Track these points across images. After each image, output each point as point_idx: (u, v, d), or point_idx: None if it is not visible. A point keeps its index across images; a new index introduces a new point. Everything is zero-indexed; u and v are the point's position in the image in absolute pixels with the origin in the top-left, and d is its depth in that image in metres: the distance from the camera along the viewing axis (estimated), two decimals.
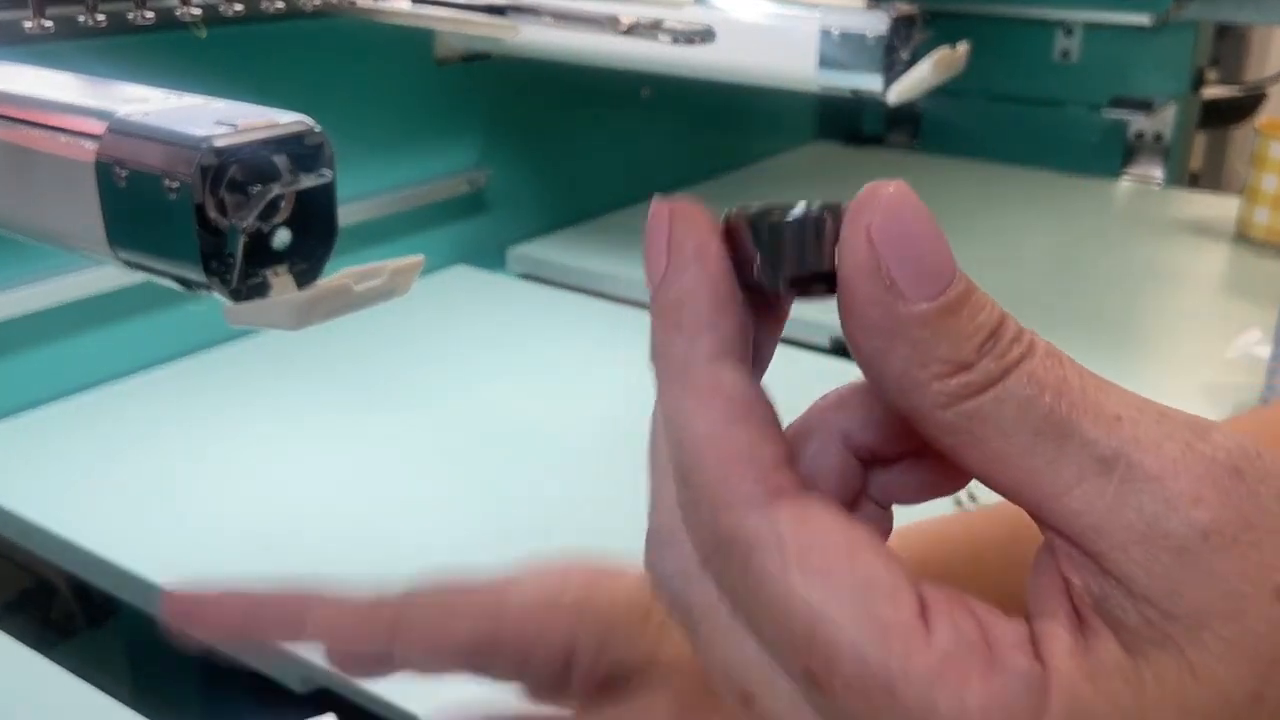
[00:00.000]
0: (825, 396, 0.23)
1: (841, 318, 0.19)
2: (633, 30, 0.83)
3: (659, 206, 0.21)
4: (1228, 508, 0.17)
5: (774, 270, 0.19)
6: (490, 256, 1.17)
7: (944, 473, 0.22)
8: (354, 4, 0.83)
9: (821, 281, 0.19)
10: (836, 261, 0.19)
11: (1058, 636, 0.18)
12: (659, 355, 0.21)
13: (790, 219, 0.19)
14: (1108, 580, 0.18)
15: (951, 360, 0.18)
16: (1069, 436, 0.18)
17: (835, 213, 0.19)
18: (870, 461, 0.22)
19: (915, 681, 0.17)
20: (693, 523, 0.20)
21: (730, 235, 0.20)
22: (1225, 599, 0.17)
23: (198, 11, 0.74)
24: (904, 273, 0.18)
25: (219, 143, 0.42)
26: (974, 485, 0.20)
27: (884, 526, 0.23)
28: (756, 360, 0.21)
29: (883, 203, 0.18)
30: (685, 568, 0.20)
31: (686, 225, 0.20)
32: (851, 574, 0.18)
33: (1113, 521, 0.18)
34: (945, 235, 0.19)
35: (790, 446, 0.20)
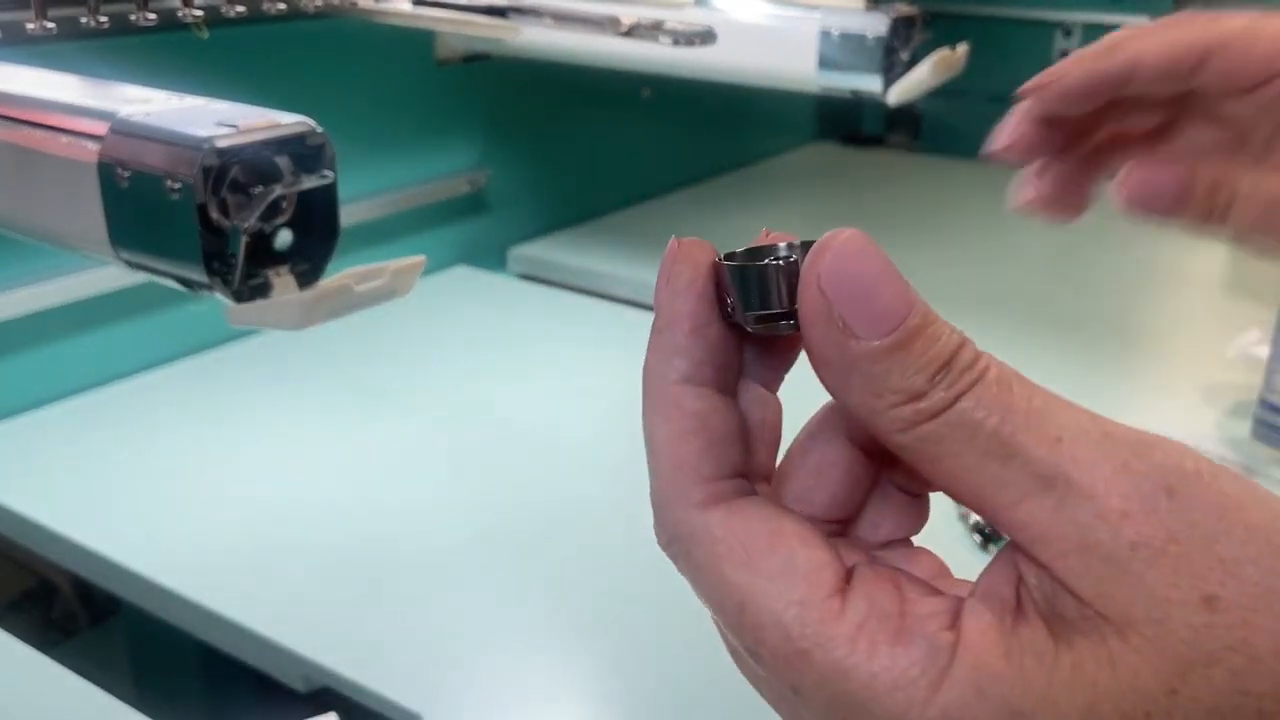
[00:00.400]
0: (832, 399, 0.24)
1: (806, 353, 0.22)
2: (633, 31, 0.83)
3: (672, 242, 0.23)
4: (1153, 523, 0.19)
5: (742, 307, 0.22)
6: (491, 257, 1.18)
7: None
8: (355, 5, 0.83)
9: (787, 319, 0.22)
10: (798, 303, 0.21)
11: (980, 615, 0.21)
12: (643, 371, 0.24)
13: (758, 264, 0.22)
14: (1053, 583, 0.20)
15: (903, 390, 0.20)
16: (1013, 457, 0.20)
17: (804, 257, 0.21)
18: (877, 455, 0.25)
19: (830, 649, 0.20)
20: (655, 510, 0.24)
21: (718, 273, 0.22)
22: (1151, 605, 0.19)
23: (199, 13, 0.74)
24: (854, 315, 0.20)
25: (221, 143, 0.42)
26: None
27: (916, 514, 0.25)
28: (761, 380, 0.25)
29: (833, 250, 0.21)
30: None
31: (684, 261, 0.23)
32: (772, 561, 0.21)
33: (1053, 533, 0.20)
34: (898, 274, 0.21)
35: (736, 459, 0.23)
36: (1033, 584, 0.21)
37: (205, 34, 0.75)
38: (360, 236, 1.00)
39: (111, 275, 0.80)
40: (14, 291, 0.77)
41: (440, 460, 0.76)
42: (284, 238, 0.45)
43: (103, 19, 0.70)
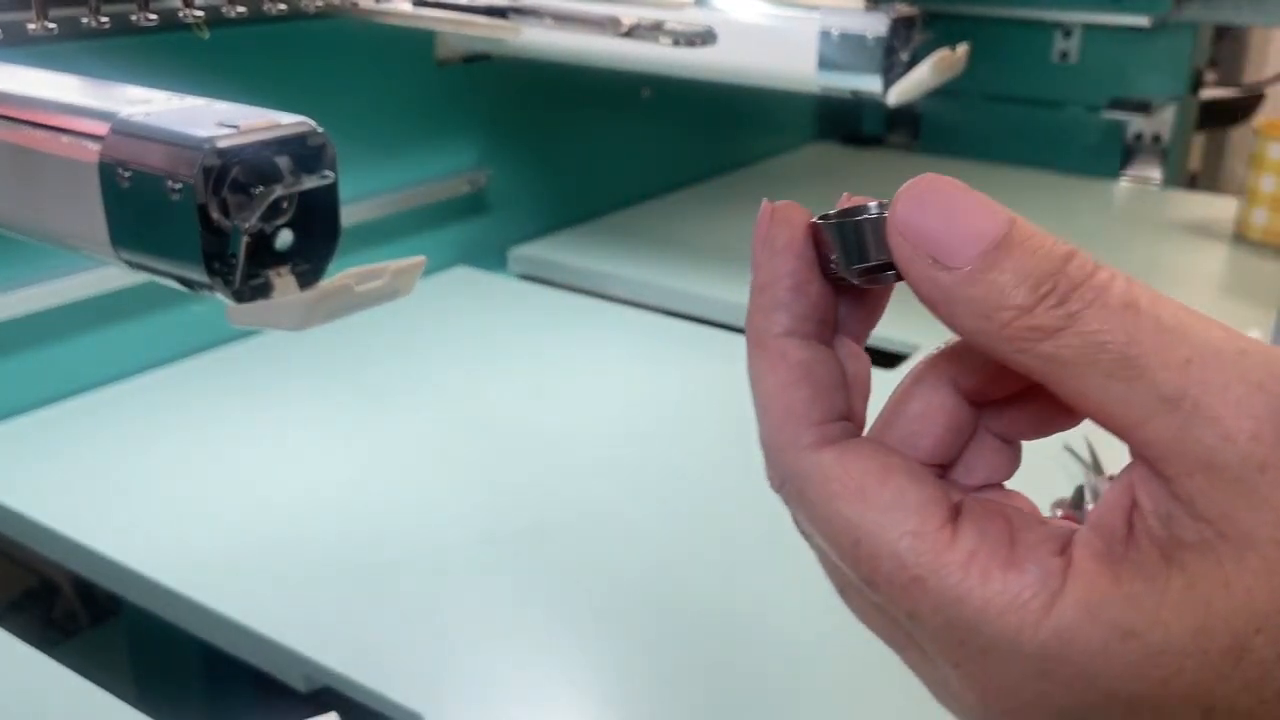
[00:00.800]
0: (939, 347, 0.26)
1: (917, 297, 0.23)
2: (633, 32, 0.83)
3: (765, 205, 0.25)
4: None
5: (845, 262, 0.24)
6: (491, 257, 1.18)
7: (1055, 409, 0.25)
8: (355, 5, 0.83)
9: (888, 268, 0.23)
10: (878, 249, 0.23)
11: (1090, 542, 0.21)
12: (747, 326, 0.25)
13: (856, 219, 0.23)
14: (1175, 502, 0.20)
15: (1009, 307, 0.21)
16: (1138, 379, 0.20)
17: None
18: (981, 403, 0.26)
19: (944, 575, 0.21)
20: (766, 457, 0.25)
21: (816, 233, 0.24)
22: (1276, 526, 0.19)
23: (200, 13, 0.74)
24: (937, 249, 0.22)
25: (222, 144, 0.42)
26: None
27: (1009, 460, 0.26)
28: (852, 335, 0.26)
29: (903, 196, 0.22)
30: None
31: (780, 223, 0.24)
32: (883, 496, 0.22)
33: (1177, 453, 0.20)
34: (977, 201, 0.22)
35: (843, 404, 0.24)
36: (1149, 508, 0.21)
37: (206, 34, 0.75)
38: (361, 237, 1.00)
39: (112, 275, 0.80)
40: (15, 291, 0.77)
41: (441, 460, 0.76)
42: (285, 238, 0.45)
43: (104, 19, 0.70)
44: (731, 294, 1.06)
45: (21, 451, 0.75)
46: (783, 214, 0.24)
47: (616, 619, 0.60)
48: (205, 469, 0.73)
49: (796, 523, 0.25)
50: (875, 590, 0.23)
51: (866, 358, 0.26)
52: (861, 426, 0.26)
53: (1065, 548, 0.21)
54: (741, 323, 0.81)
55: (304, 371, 0.88)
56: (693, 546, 0.66)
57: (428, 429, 0.80)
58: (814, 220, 0.24)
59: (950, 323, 0.22)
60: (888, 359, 0.95)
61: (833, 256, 0.24)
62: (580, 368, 0.91)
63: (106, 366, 0.85)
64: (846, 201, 0.24)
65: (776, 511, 0.76)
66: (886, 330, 1.06)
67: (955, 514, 0.22)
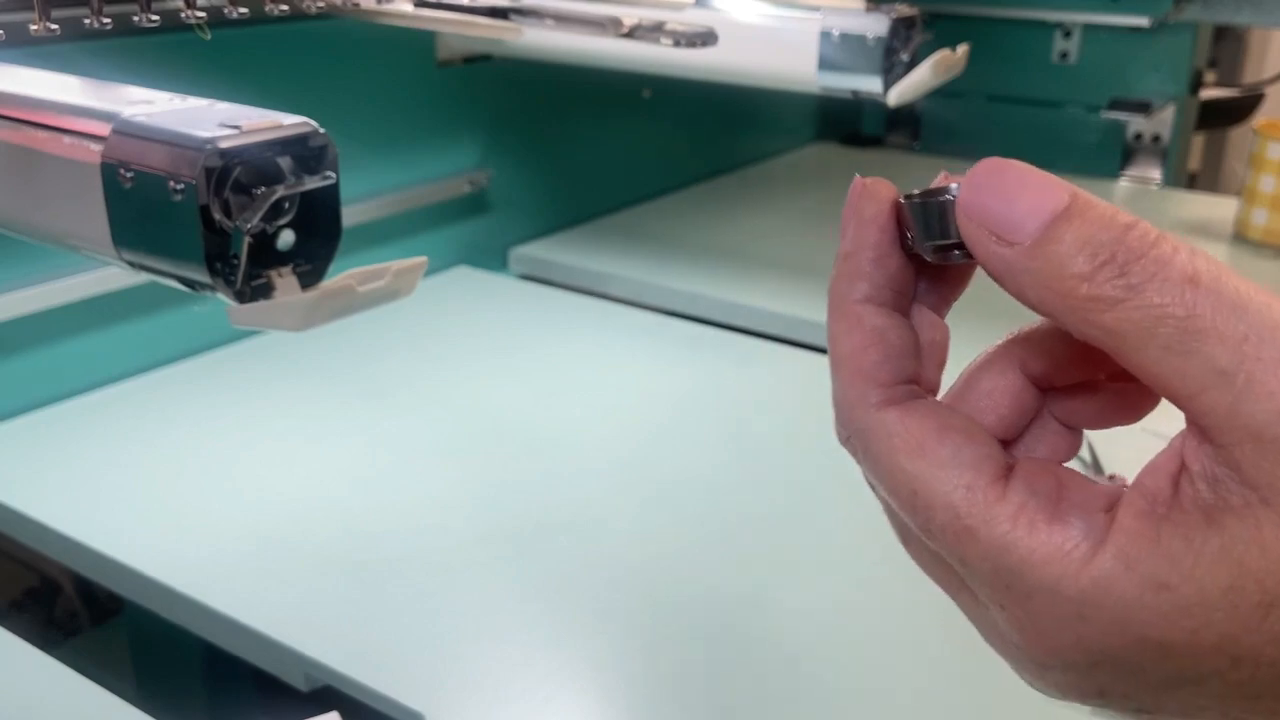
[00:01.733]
0: (1014, 331, 0.28)
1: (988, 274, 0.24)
2: (634, 33, 0.83)
3: (857, 180, 0.26)
4: None
5: (921, 239, 0.25)
6: (492, 257, 1.18)
7: (1119, 404, 0.27)
8: (357, 6, 0.83)
9: (959, 248, 0.24)
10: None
11: (1134, 502, 0.23)
12: (830, 291, 0.27)
13: (933, 199, 0.25)
14: (1224, 468, 0.22)
15: (1071, 277, 0.22)
16: (1194, 353, 0.21)
17: None
18: (1047, 388, 0.27)
19: (994, 525, 0.23)
20: (835, 411, 0.27)
21: (899, 210, 0.26)
22: None
23: (202, 14, 0.74)
24: (1000, 226, 0.23)
25: (224, 144, 0.42)
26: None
27: (1069, 444, 0.28)
28: (932, 307, 0.28)
29: (967, 180, 0.23)
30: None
31: (868, 197, 0.26)
32: (940, 451, 0.24)
33: (1231, 423, 0.21)
34: (1037, 179, 0.23)
35: (912, 369, 0.26)
36: (1197, 472, 0.22)
37: (208, 35, 0.75)
38: (362, 237, 1.00)
39: (114, 276, 0.81)
40: (17, 292, 0.78)
41: (441, 459, 0.76)
42: (286, 238, 0.45)
43: (106, 20, 0.70)
44: (732, 294, 1.06)
45: (23, 451, 0.75)
46: (872, 189, 0.26)
47: (616, 617, 0.60)
48: (207, 469, 0.73)
49: (864, 476, 0.27)
50: (931, 538, 0.25)
51: (945, 327, 0.28)
52: (934, 392, 0.27)
53: (1111, 506, 0.23)
54: (742, 323, 0.82)
55: (306, 372, 0.88)
56: (693, 546, 0.67)
57: (429, 429, 0.80)
58: (899, 198, 0.26)
59: (1018, 296, 0.23)
60: None
61: (911, 233, 0.25)
62: (581, 368, 0.91)
63: (108, 366, 0.85)
64: (943, 180, 0.25)
65: (777, 511, 0.77)
66: None
67: (1007, 471, 0.24)
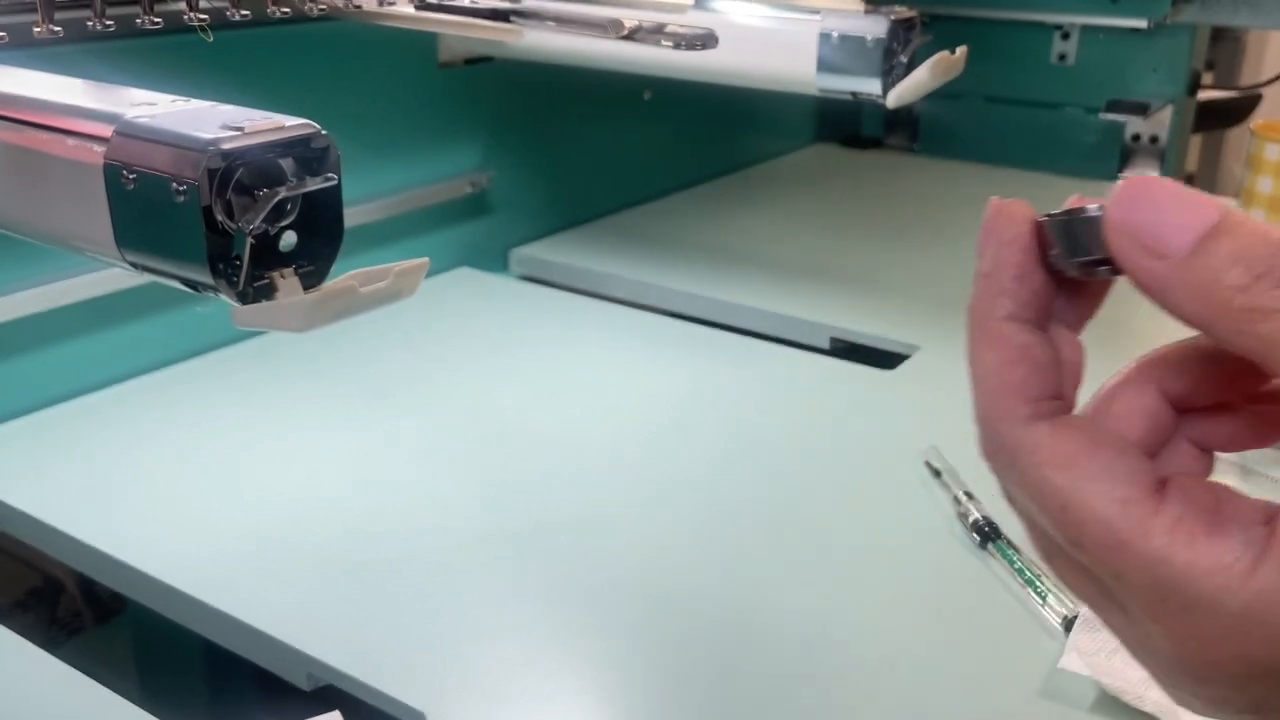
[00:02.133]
0: (1150, 351, 0.28)
1: (1139, 288, 0.25)
2: (635, 35, 0.83)
3: (994, 202, 0.27)
4: None
5: (1065, 255, 0.26)
6: (493, 258, 1.18)
7: (1256, 426, 0.27)
8: (358, 8, 0.84)
9: (1104, 264, 0.25)
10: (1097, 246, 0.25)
11: None
12: (970, 311, 0.27)
13: (1079, 216, 0.25)
14: None
15: (1227, 287, 0.22)
16: None
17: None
18: (1184, 409, 0.28)
19: (1150, 539, 0.23)
20: (980, 429, 0.27)
21: (1040, 229, 0.26)
22: None
23: (204, 16, 0.74)
24: (1152, 239, 0.23)
25: (226, 146, 0.42)
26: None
27: (1202, 466, 0.28)
28: (1069, 325, 0.28)
29: (1116, 196, 0.24)
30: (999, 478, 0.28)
31: (1006, 218, 0.27)
32: (1092, 465, 0.24)
33: None
34: (1187, 195, 0.23)
35: (1056, 385, 0.26)
36: None
37: (210, 37, 0.75)
38: (364, 238, 1.00)
39: (117, 277, 0.81)
40: (20, 293, 0.78)
41: (443, 460, 0.76)
42: (289, 239, 0.45)
43: (108, 22, 0.71)
44: (732, 295, 1.06)
45: (26, 451, 0.75)
46: (1009, 210, 0.27)
47: (618, 616, 0.60)
48: (209, 469, 0.74)
49: (1004, 491, 0.28)
50: (1082, 552, 0.25)
51: (1081, 346, 0.28)
52: (1071, 408, 0.27)
53: (1270, 519, 0.23)
54: (742, 324, 0.82)
55: (308, 372, 0.88)
56: (694, 546, 0.67)
57: (430, 429, 0.80)
58: (1039, 218, 0.27)
59: (1171, 308, 0.24)
60: (888, 359, 0.96)
61: (1053, 251, 0.26)
62: (582, 368, 0.92)
63: (111, 367, 0.85)
64: (1075, 203, 0.26)
65: (777, 511, 0.77)
66: (886, 331, 1.06)
67: (1161, 486, 0.24)
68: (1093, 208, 0.25)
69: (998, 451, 0.26)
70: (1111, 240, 0.24)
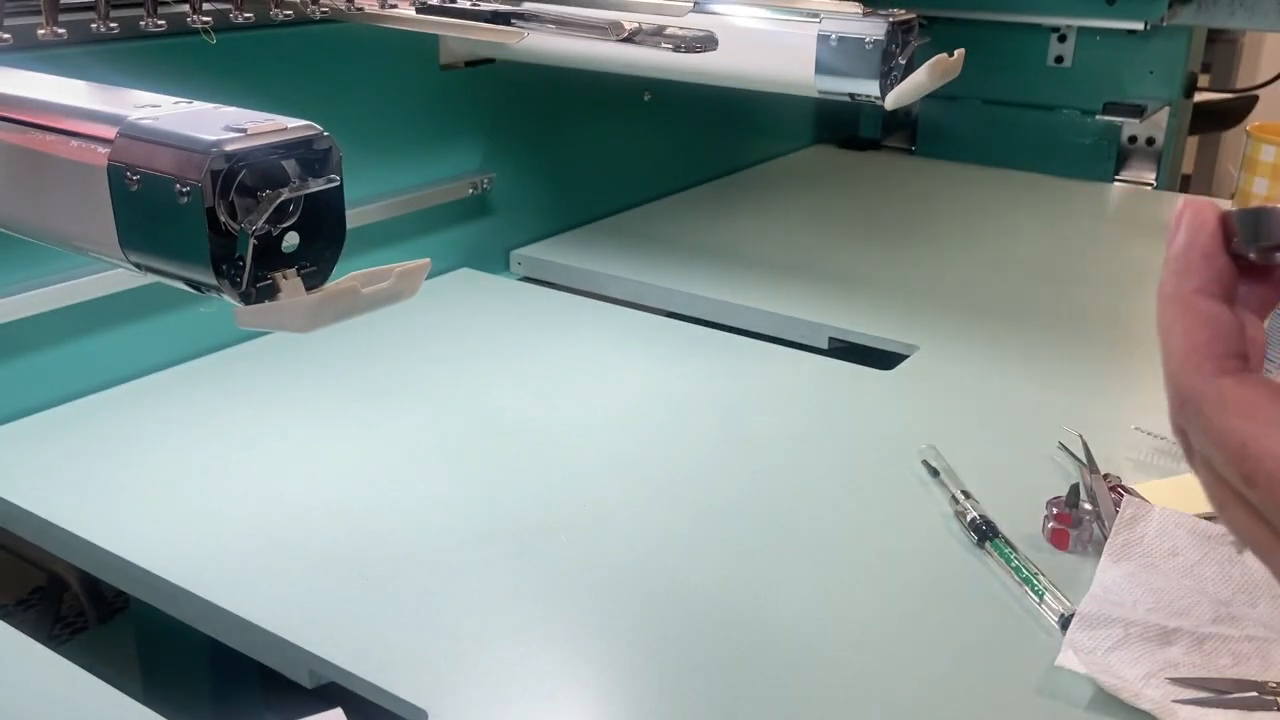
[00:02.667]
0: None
1: None
2: (635, 37, 0.84)
3: (1183, 200, 0.31)
4: None
5: (1246, 241, 0.29)
6: (494, 259, 1.19)
7: None
8: (360, 11, 0.84)
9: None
10: None
11: None
12: (1160, 288, 0.30)
13: (1260, 207, 0.29)
14: None
15: None
16: None
17: None
18: None
19: None
20: (1169, 389, 0.30)
21: (1225, 220, 0.30)
22: None
23: (207, 19, 0.75)
24: None
25: (229, 147, 0.43)
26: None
27: None
28: (1256, 310, 0.31)
29: None
30: (1178, 433, 0.31)
31: (1194, 209, 0.30)
32: (1273, 413, 0.27)
33: None
34: None
35: (1241, 348, 0.29)
36: None
37: (213, 40, 0.76)
38: (366, 239, 1.01)
39: (121, 277, 0.81)
40: (25, 293, 0.78)
41: (445, 459, 0.77)
42: (291, 240, 0.45)
43: (112, 25, 0.71)
44: (731, 295, 1.07)
45: (30, 451, 0.75)
46: (1196, 204, 0.30)
47: (618, 615, 0.61)
48: (212, 468, 0.74)
49: (1185, 447, 0.30)
50: (1254, 488, 0.27)
51: (1263, 330, 0.31)
52: (1255, 371, 0.30)
53: None
54: (741, 324, 0.83)
55: (311, 372, 0.88)
56: (694, 545, 0.67)
57: (432, 428, 0.81)
58: (1226, 211, 0.30)
59: None
60: (886, 359, 0.96)
61: (1236, 238, 0.29)
62: (582, 368, 0.92)
63: (115, 367, 0.85)
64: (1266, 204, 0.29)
65: (776, 510, 0.77)
66: (885, 331, 1.06)
67: None
68: (1276, 204, 0.29)
69: (1184, 404, 0.29)
70: None
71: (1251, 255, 0.29)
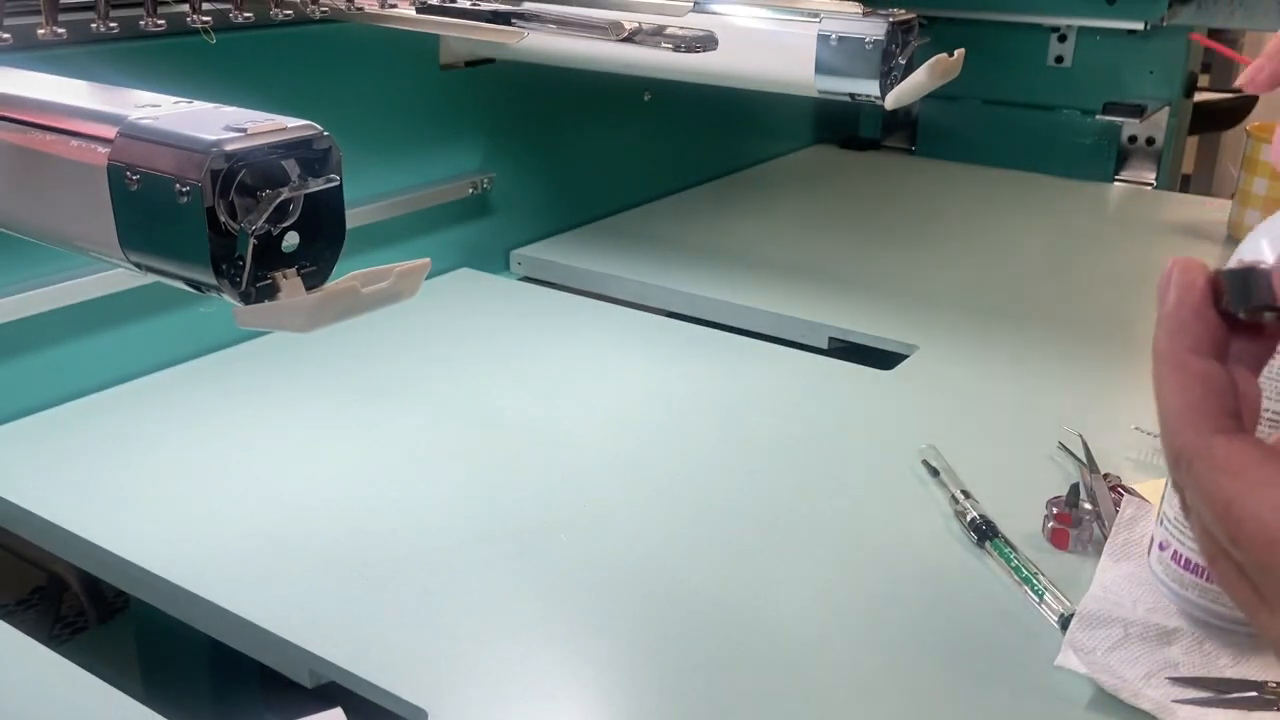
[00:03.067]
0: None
1: None
2: (635, 37, 0.84)
3: (1172, 260, 0.31)
4: None
5: (1235, 302, 0.30)
6: (494, 259, 1.19)
7: None
8: (360, 11, 0.84)
9: (1271, 309, 0.29)
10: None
11: None
12: (1154, 348, 0.31)
13: (1248, 267, 0.29)
14: None
15: None
16: None
17: None
18: None
19: None
20: (1164, 447, 0.31)
21: (1215, 279, 0.30)
22: None
23: (207, 19, 0.75)
24: None
25: (229, 147, 0.43)
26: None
27: None
28: (1246, 364, 0.31)
29: None
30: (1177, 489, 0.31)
31: (1184, 268, 0.31)
32: (1259, 474, 0.28)
33: None
34: None
35: (1234, 407, 0.30)
36: None
37: (213, 40, 0.76)
38: (365, 239, 1.01)
39: (121, 277, 0.81)
40: (24, 293, 0.78)
41: (445, 459, 0.77)
42: (291, 240, 0.45)
43: (112, 24, 0.71)
44: (731, 295, 1.07)
45: (30, 451, 0.75)
46: (1186, 263, 0.31)
47: (618, 614, 0.61)
48: (212, 467, 0.74)
49: (1181, 501, 0.31)
50: (1237, 547, 0.28)
51: (1257, 386, 0.31)
52: (1248, 432, 0.30)
53: None
54: (741, 324, 0.83)
55: (310, 372, 0.88)
56: (693, 545, 0.67)
57: (431, 428, 0.81)
58: (1216, 270, 0.31)
59: None
60: (886, 359, 0.96)
61: (1227, 297, 0.30)
62: (582, 368, 0.92)
63: (114, 367, 0.85)
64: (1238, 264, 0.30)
65: (776, 510, 0.77)
66: (885, 331, 1.06)
67: None
68: (1261, 264, 0.29)
69: (1178, 460, 0.30)
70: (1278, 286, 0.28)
71: (1241, 315, 0.30)
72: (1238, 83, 0.58)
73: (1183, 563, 0.58)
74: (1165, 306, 0.31)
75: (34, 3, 0.68)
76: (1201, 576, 0.58)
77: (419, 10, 0.88)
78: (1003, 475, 0.74)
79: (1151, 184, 1.54)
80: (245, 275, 0.44)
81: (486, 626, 0.59)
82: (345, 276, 0.46)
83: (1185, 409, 0.30)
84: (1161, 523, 0.61)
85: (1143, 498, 0.69)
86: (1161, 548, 0.60)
